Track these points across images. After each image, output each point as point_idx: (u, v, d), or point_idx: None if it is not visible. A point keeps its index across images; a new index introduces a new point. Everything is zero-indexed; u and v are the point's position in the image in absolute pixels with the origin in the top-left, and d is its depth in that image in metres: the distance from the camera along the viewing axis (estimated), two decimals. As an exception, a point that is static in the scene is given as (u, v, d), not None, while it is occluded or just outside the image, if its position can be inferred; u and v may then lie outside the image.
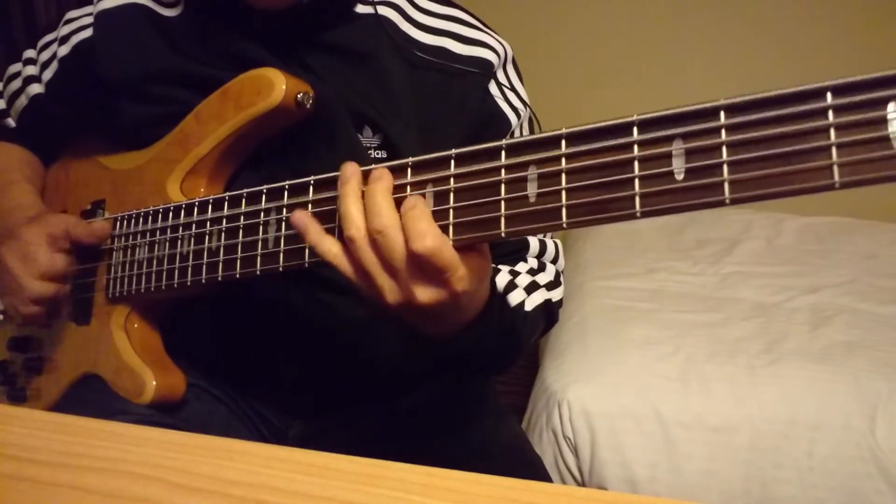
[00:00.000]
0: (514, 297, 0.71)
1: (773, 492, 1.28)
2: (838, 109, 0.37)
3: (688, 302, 1.72)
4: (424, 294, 0.52)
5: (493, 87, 0.75)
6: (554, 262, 0.79)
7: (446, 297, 0.52)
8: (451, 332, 0.59)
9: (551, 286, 0.76)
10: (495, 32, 0.78)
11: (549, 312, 0.76)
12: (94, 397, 0.74)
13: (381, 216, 0.51)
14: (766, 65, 2.33)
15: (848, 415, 1.30)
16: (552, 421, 1.37)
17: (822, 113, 0.38)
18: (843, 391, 1.34)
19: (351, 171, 0.53)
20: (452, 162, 0.51)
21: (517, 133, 0.76)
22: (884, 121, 0.36)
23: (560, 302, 0.77)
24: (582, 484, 1.34)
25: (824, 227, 2.23)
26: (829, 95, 0.38)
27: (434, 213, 0.51)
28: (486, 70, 0.74)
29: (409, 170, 0.53)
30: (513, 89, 0.77)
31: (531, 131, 0.80)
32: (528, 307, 0.72)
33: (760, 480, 1.29)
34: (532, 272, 0.75)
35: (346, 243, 0.53)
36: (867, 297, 1.76)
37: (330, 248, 0.55)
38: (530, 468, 0.80)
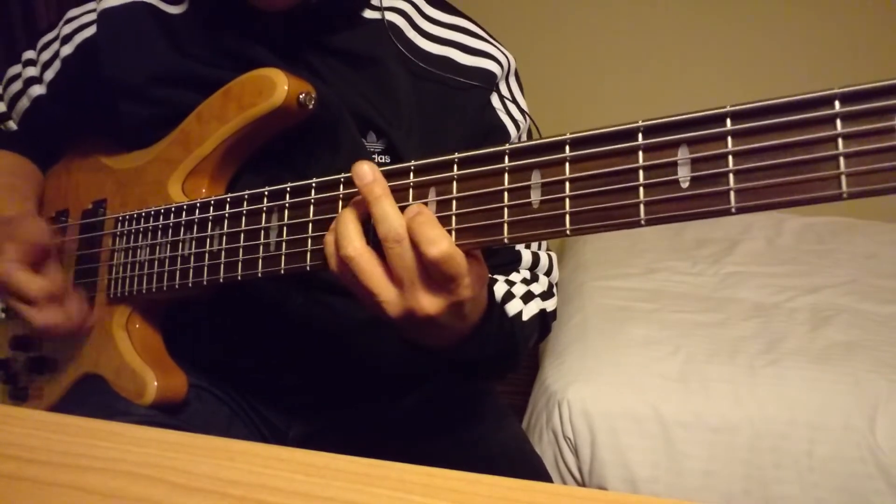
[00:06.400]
0: (512, 307, 0.71)
1: (773, 492, 1.28)
2: (846, 118, 0.36)
3: (688, 302, 1.72)
4: (430, 304, 0.51)
5: (494, 100, 0.75)
6: (547, 273, 0.79)
7: (451, 306, 0.52)
8: (452, 342, 0.59)
9: (545, 296, 0.76)
10: (500, 43, 0.78)
11: (544, 322, 0.76)
12: (95, 398, 0.74)
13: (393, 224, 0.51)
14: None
15: (848, 415, 1.30)
16: (552, 421, 1.37)
17: (830, 121, 0.37)
18: (843, 391, 1.34)
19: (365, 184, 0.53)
20: (455, 166, 0.50)
21: None
22: (892, 130, 0.35)
23: (553, 313, 0.78)
24: (582, 484, 1.34)
25: (824, 227, 2.23)
26: (837, 103, 0.37)
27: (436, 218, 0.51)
28: (488, 82, 0.74)
29: (411, 173, 0.52)
30: (514, 101, 0.77)
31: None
32: (525, 317, 0.72)
33: (760, 480, 1.29)
34: (526, 282, 0.75)
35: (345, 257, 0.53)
36: (867, 297, 1.76)
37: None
38: (531, 468, 0.80)
